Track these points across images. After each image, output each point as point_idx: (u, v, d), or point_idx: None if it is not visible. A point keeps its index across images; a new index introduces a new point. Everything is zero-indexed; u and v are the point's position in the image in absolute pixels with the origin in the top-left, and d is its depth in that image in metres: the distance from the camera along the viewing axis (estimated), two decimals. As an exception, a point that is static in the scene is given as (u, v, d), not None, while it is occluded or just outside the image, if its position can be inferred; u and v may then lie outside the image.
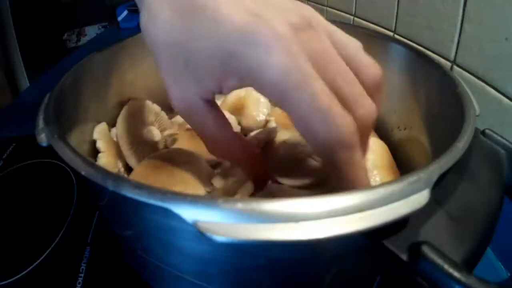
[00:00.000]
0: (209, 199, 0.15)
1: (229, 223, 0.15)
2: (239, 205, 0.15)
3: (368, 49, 0.38)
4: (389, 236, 0.16)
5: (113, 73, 0.37)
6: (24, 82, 1.04)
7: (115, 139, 0.34)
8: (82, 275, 0.30)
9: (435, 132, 0.29)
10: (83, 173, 0.18)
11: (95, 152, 0.31)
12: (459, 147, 0.19)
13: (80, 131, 0.30)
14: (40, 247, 0.32)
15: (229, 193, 0.31)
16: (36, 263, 0.31)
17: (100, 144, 0.31)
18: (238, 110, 0.41)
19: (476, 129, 0.23)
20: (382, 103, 0.39)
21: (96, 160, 0.31)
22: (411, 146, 0.33)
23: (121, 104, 0.37)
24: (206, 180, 0.31)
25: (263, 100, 0.41)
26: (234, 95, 0.43)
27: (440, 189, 0.18)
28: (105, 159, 0.31)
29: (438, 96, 0.29)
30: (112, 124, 0.35)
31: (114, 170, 0.31)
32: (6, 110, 0.61)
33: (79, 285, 0.29)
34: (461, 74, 0.41)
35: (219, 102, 0.45)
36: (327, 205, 0.15)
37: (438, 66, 0.30)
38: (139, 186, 0.17)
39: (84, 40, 1.23)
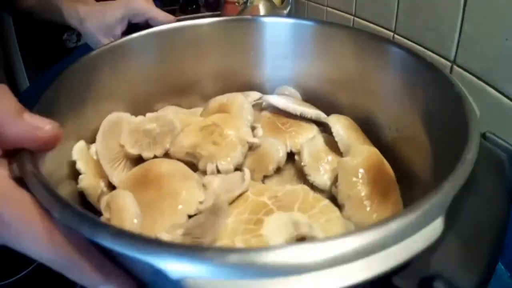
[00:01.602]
0: (198, 251, 0.13)
1: (223, 279, 0.13)
2: (233, 258, 0.12)
3: (366, 51, 0.38)
4: (398, 272, 0.14)
5: (91, 85, 0.35)
6: (24, 82, 1.04)
7: (95, 157, 0.33)
8: (82, 275, 0.30)
9: (436, 135, 0.28)
10: (56, 215, 0.16)
11: (75, 173, 0.30)
12: (469, 160, 0.17)
13: (57, 150, 0.27)
14: (40, 247, 0.32)
15: (227, 192, 0.30)
16: (36, 263, 0.31)
17: (80, 165, 0.30)
18: (221, 118, 0.38)
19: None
20: (379, 105, 0.37)
21: (77, 183, 0.30)
22: (410, 148, 0.33)
23: (100, 118, 0.36)
24: (196, 188, 0.30)
25: (246, 106, 0.39)
26: (218, 101, 0.41)
27: (450, 209, 0.16)
28: (87, 181, 0.30)
29: (438, 100, 0.29)
30: (91, 140, 0.34)
31: (97, 191, 0.31)
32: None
33: (79, 285, 0.29)
34: (461, 74, 0.41)
35: (200, 109, 0.43)
36: (333, 250, 0.12)
37: (436, 68, 0.29)
38: (118, 234, 0.14)
39: (84, 40, 1.23)
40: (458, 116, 0.23)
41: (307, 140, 0.36)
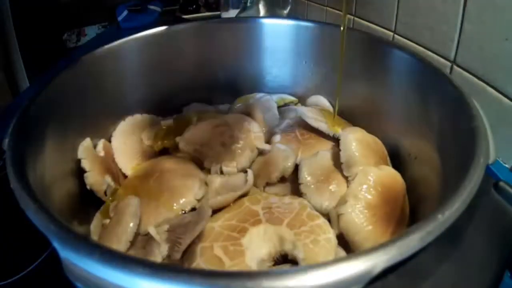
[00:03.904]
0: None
1: None
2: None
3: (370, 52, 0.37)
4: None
5: (99, 84, 0.36)
6: (24, 82, 1.04)
7: (101, 153, 0.34)
8: (82, 275, 0.30)
9: (445, 159, 0.27)
10: (54, 244, 0.16)
11: (80, 170, 0.31)
12: (439, 220, 0.15)
13: (60, 146, 0.29)
14: (40, 247, 0.32)
15: (227, 190, 0.30)
16: (36, 263, 0.31)
17: (84, 164, 0.31)
18: (236, 118, 0.38)
19: (488, 180, 0.19)
20: (401, 130, 0.36)
21: (78, 179, 0.31)
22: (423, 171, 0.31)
23: (108, 116, 0.37)
24: (196, 186, 0.31)
25: (271, 110, 0.38)
26: (244, 101, 0.41)
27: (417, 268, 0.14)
28: (92, 178, 0.31)
29: (451, 127, 0.27)
30: (97, 137, 0.35)
31: (102, 187, 0.31)
32: (6, 110, 0.61)
33: (77, 286, 0.29)
34: (461, 74, 0.41)
35: (225, 107, 0.44)
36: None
37: (454, 88, 0.27)
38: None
39: (84, 40, 1.23)
40: (468, 150, 0.20)
41: (310, 156, 0.33)
